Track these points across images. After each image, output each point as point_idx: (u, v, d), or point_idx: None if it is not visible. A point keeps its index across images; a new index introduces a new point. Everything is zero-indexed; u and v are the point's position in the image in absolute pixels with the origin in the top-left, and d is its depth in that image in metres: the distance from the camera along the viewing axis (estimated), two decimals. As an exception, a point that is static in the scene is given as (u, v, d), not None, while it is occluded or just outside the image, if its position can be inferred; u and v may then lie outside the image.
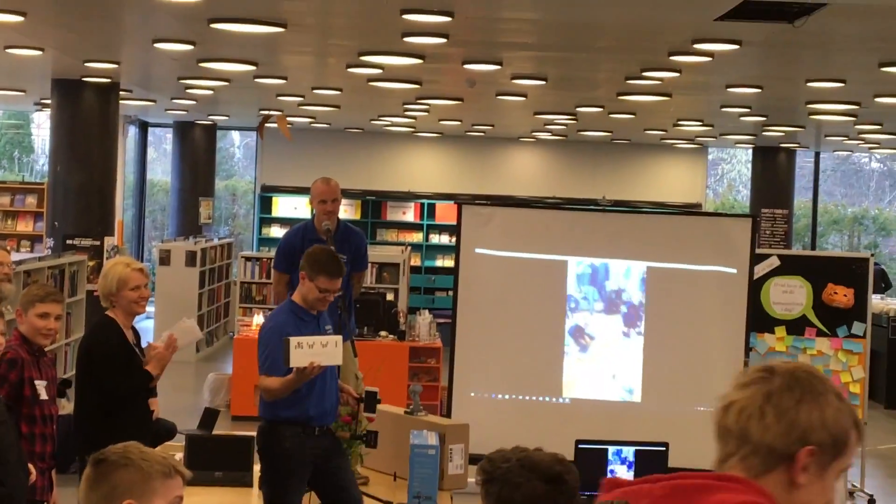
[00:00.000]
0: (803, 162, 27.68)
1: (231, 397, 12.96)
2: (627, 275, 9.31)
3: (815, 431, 2.25)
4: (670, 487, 2.34)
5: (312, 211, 9.00)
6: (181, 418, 10.67)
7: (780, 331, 10.58)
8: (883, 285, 19.18)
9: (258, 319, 13.22)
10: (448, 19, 8.60)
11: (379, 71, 12.15)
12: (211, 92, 15.55)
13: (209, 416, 9.57)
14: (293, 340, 6.18)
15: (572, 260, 9.28)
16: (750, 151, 24.58)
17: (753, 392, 2.35)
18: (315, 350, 6.25)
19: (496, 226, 9.34)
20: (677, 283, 9.29)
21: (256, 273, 16.85)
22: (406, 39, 9.71)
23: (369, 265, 14.20)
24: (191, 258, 17.25)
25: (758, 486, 2.25)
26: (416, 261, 22.20)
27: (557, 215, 10.02)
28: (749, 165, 25.78)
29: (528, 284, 9.32)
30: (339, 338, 6.43)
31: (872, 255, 11.12)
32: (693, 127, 18.37)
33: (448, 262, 22.27)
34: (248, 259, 17.07)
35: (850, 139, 20.06)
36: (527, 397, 9.28)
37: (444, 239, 23.21)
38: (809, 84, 11.87)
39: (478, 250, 9.32)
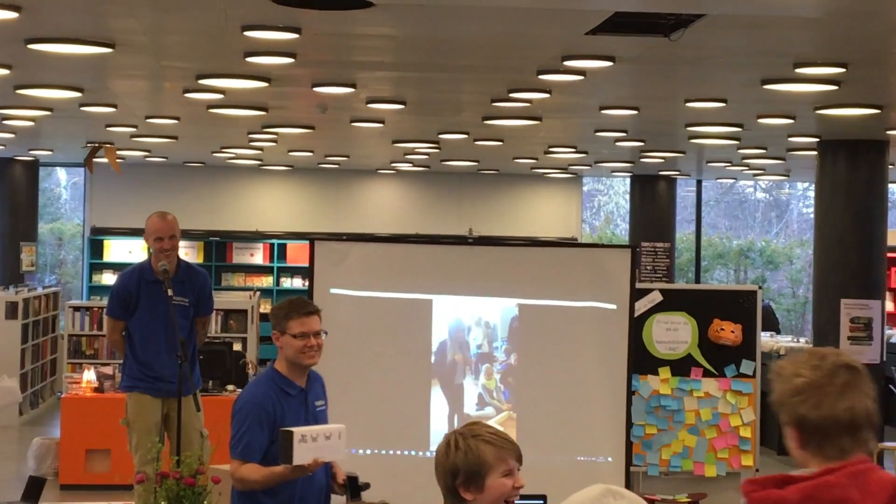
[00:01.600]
0: (685, 192, 28.19)
1: (59, 464, 12.67)
2: (497, 313, 9.32)
3: None
4: (850, 473, 3.10)
5: (149, 251, 8.88)
6: (3, 489, 10.39)
7: (665, 371, 10.70)
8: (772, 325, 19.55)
9: (89, 376, 12.95)
10: (295, 36, 8.56)
11: (220, 96, 12.05)
12: (32, 123, 15.26)
13: (34, 486, 9.35)
14: (297, 433, 5.67)
15: (438, 298, 9.27)
16: (627, 181, 24.94)
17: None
18: (319, 444, 5.76)
19: (353, 263, 9.30)
20: (551, 321, 9.33)
21: (87, 324, 16.54)
22: (249, 60, 9.64)
23: (214, 311, 14.08)
24: (11, 310, 16.89)
25: None
26: (266, 307, 22.01)
27: (420, 250, 10.03)
28: (627, 197, 26.17)
29: (389, 327, 9.28)
30: (343, 428, 5.92)
31: (760, 287, 11.32)
32: (566, 154, 18.56)
33: (302, 309, 22.08)
34: (76, 309, 16.75)
35: (733, 165, 20.46)
36: (391, 451, 9.22)
37: (297, 283, 23.09)
38: (689, 104, 12.07)
39: (333, 291, 9.26)
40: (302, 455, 5.68)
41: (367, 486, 6.28)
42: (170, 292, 8.48)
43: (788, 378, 3.22)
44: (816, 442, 3.16)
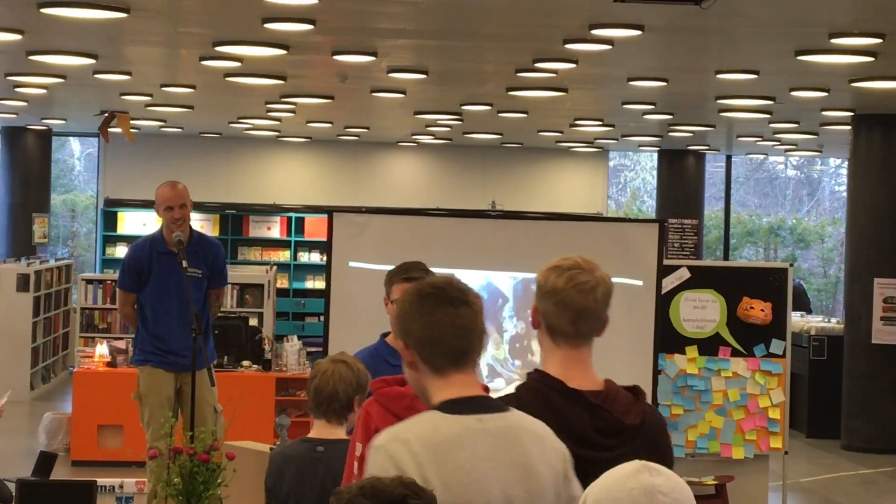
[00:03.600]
0: (714, 168, 28.08)
1: (71, 440, 12.70)
2: (520, 287, 9.28)
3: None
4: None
5: (161, 222, 8.87)
6: (14, 464, 10.43)
7: (692, 351, 10.64)
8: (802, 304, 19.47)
9: (102, 350, 12.96)
10: (314, 2, 8.54)
11: (237, 64, 12.02)
12: (44, 91, 15.26)
13: (45, 461, 9.37)
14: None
15: (459, 273, 9.22)
16: (655, 156, 24.84)
17: None
18: None
19: (372, 236, 9.27)
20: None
21: (100, 298, 16.57)
22: (267, 26, 9.60)
23: (229, 286, 14.08)
24: (23, 282, 16.93)
25: None
26: (283, 282, 22.04)
27: (441, 223, 10.00)
28: (654, 172, 26.08)
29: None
30: None
31: (791, 265, 11.25)
32: (592, 127, 18.49)
33: (319, 284, 22.16)
34: (89, 282, 16.78)
35: (764, 140, 20.36)
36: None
37: (315, 257, 23.09)
38: (719, 76, 12.00)
39: (352, 264, 9.24)
40: None
41: None
42: (184, 264, 8.46)
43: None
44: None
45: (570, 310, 3.80)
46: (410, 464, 3.27)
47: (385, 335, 5.84)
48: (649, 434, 3.82)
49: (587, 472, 3.33)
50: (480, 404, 3.44)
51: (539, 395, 3.74)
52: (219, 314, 9.72)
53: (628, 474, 2.80)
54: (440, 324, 3.43)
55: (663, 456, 3.74)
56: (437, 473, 3.28)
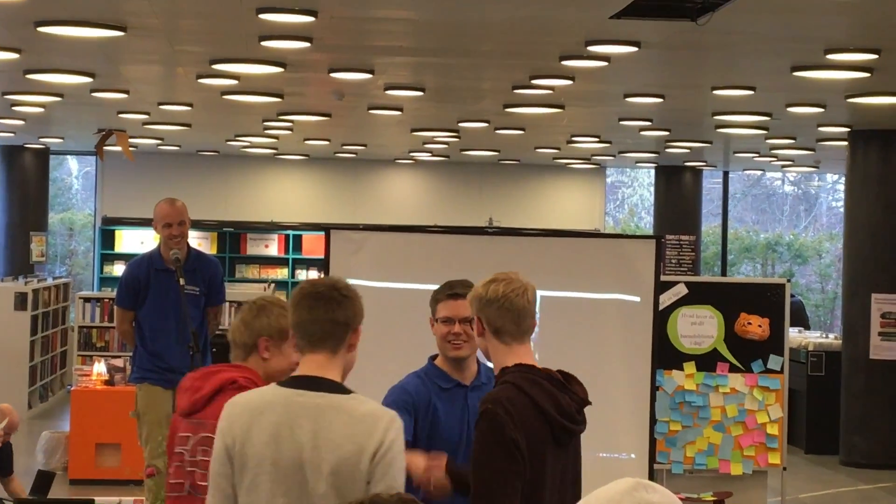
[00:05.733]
0: (711, 184, 28.10)
1: (69, 458, 12.68)
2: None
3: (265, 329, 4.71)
4: (201, 374, 4.80)
5: (159, 240, 8.87)
6: (9, 482, 10.33)
7: (690, 367, 10.64)
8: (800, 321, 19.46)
9: (99, 368, 12.94)
10: (311, 19, 8.53)
11: (234, 82, 12.04)
12: (42, 109, 15.27)
13: (43, 480, 9.38)
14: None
15: (456, 290, 9.22)
16: (652, 172, 24.87)
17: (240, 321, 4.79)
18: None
19: (369, 253, 9.25)
20: (573, 314, 9.27)
21: (98, 316, 16.55)
22: (264, 44, 9.62)
23: (227, 304, 14.07)
24: (21, 301, 16.91)
25: (245, 366, 4.71)
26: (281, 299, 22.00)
27: (439, 240, 9.98)
28: (651, 189, 26.09)
29: (407, 319, 9.23)
30: None
31: (789, 280, 11.24)
32: (589, 144, 18.51)
33: (317, 301, 22.10)
34: (87, 300, 16.76)
35: (760, 156, 20.38)
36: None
37: (313, 275, 23.08)
38: (716, 92, 12.02)
39: (349, 281, 9.21)
40: None
41: None
42: (181, 281, 8.46)
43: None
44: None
45: (513, 311, 4.48)
46: (226, 419, 4.01)
47: (433, 358, 5.62)
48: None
49: (570, 442, 4.52)
50: (312, 383, 4.01)
51: (535, 384, 4.37)
52: (216, 332, 9.72)
53: (623, 492, 2.78)
54: (302, 314, 4.05)
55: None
56: (242, 430, 3.96)
